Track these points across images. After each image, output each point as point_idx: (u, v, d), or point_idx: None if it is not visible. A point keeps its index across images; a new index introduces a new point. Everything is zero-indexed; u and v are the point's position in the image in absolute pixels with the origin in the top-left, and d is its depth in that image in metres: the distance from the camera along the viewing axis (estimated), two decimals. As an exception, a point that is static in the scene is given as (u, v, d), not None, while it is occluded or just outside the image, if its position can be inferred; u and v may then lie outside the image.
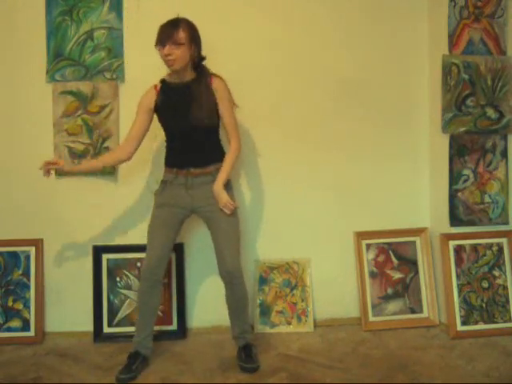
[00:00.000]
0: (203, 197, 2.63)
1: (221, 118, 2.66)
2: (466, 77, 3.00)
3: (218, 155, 2.68)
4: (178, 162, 2.66)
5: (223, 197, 2.58)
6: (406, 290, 3.18)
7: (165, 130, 2.70)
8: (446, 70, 3.01)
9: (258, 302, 3.14)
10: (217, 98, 2.61)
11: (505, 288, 3.05)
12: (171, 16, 3.02)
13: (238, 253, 2.65)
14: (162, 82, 2.67)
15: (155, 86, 2.67)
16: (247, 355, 2.66)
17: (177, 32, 2.48)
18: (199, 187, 2.63)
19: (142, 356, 2.64)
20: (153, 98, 2.65)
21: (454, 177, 3.06)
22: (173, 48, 2.47)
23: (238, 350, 2.72)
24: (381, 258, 3.21)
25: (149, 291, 2.66)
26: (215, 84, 2.61)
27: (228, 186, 2.67)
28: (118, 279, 3.08)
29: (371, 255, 3.20)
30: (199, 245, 3.12)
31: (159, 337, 2.98)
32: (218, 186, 2.59)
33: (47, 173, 2.61)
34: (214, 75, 2.64)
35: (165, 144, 2.74)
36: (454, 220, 3.07)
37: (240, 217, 2.75)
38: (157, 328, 3.02)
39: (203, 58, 2.63)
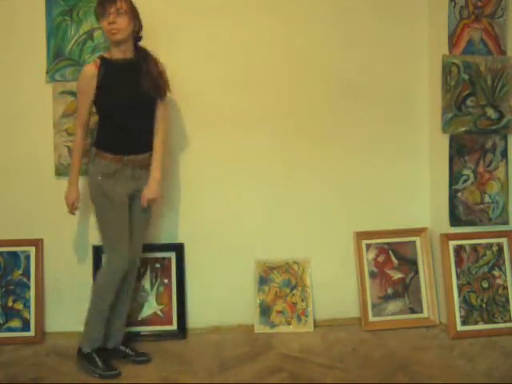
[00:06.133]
0: (143, 185, 2.66)
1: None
2: (466, 77, 3.00)
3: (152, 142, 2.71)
4: (121, 146, 2.62)
5: (159, 189, 2.67)
6: (406, 290, 3.18)
7: (106, 112, 2.62)
8: (446, 70, 3.01)
9: (258, 301, 3.14)
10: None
11: (505, 288, 3.05)
12: (171, 16, 3.04)
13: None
14: (101, 58, 2.63)
15: (95, 63, 2.60)
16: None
17: (119, 1, 2.52)
18: (144, 178, 2.66)
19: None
20: (95, 77, 2.57)
21: (454, 177, 3.06)
22: (116, 16, 2.51)
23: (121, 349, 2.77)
24: (381, 258, 3.21)
25: (118, 288, 2.66)
26: (160, 65, 2.68)
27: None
28: (117, 279, 3.08)
29: (371, 255, 3.20)
30: (199, 245, 3.12)
31: (159, 337, 2.99)
32: (154, 181, 2.65)
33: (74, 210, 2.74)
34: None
35: None
36: (454, 220, 3.07)
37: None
38: (157, 328, 3.03)
39: (140, 38, 2.67)
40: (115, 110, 2.60)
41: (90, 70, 2.59)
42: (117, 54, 2.61)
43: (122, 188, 2.60)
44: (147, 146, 2.66)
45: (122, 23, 2.52)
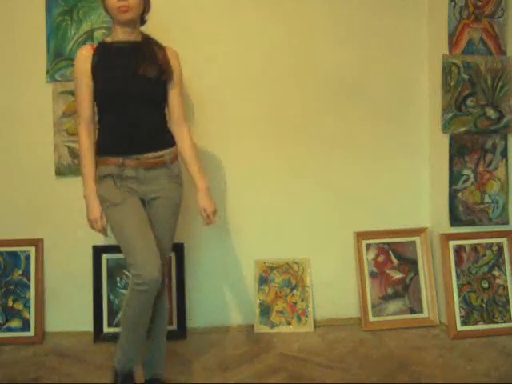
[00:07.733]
0: (157, 189, 2.27)
1: (168, 96, 2.32)
2: (466, 77, 3.00)
3: (170, 137, 2.33)
4: (122, 144, 2.23)
5: (212, 204, 2.34)
6: (406, 290, 3.18)
7: (103, 100, 2.27)
8: (446, 70, 3.01)
9: (258, 301, 3.14)
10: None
11: (505, 288, 3.05)
12: (171, 16, 3.04)
13: (165, 258, 2.31)
14: (100, 43, 2.35)
15: (91, 46, 2.31)
16: None
17: None
18: (152, 181, 2.26)
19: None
20: (89, 59, 2.24)
21: (454, 177, 3.06)
22: None
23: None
24: (381, 258, 3.21)
25: (150, 303, 2.22)
26: (170, 52, 2.33)
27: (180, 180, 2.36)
28: (118, 279, 3.08)
29: (371, 255, 3.20)
30: (199, 245, 3.12)
31: (159, 337, 3.00)
32: (207, 191, 2.35)
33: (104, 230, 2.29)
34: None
35: None
36: (454, 220, 3.07)
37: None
38: (157, 328, 3.03)
39: (145, 22, 2.36)
40: (110, 104, 2.25)
41: (85, 50, 2.28)
42: (121, 36, 2.27)
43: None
44: (159, 143, 2.29)
45: (135, 0, 2.20)
